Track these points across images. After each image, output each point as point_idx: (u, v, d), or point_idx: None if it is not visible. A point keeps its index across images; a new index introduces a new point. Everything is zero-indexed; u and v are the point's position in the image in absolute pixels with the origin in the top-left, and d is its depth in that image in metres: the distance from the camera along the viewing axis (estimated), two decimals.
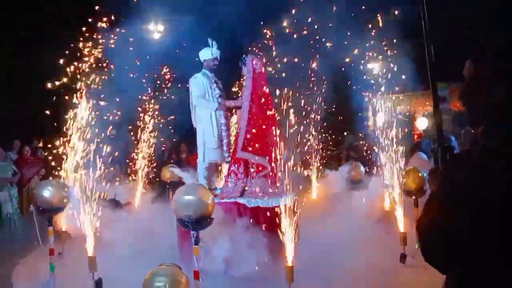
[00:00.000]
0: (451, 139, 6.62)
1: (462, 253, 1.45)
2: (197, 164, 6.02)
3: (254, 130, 5.44)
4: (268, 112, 5.53)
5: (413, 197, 5.35)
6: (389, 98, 7.14)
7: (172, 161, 9.47)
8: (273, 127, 5.43)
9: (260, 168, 5.42)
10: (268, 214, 5.09)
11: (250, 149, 5.42)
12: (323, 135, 9.65)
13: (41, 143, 9.73)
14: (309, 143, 8.63)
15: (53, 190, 5.06)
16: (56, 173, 6.06)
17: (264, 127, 5.44)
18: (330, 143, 10.93)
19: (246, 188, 5.48)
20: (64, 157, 6.04)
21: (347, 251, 5.17)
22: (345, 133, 11.89)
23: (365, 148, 10.44)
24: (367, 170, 7.93)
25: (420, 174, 5.37)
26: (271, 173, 5.37)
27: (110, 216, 5.58)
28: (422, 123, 11.44)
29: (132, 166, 8.07)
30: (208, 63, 5.85)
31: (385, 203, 6.92)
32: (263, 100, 5.52)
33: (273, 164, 5.30)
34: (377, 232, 5.94)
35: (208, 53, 5.82)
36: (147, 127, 8.19)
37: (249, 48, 7.99)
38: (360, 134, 10.97)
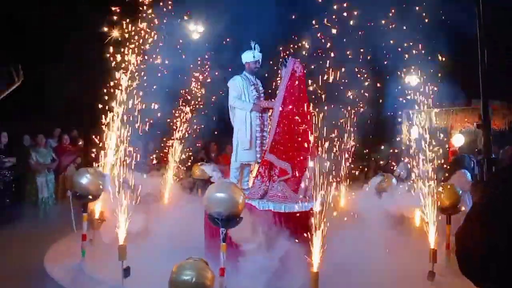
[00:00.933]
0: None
1: (499, 267, 1.43)
2: (226, 164, 6.09)
3: (282, 134, 5.35)
4: (301, 118, 5.35)
5: (447, 214, 5.23)
6: (425, 112, 6.99)
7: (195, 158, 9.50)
8: (305, 134, 5.29)
9: (282, 173, 5.30)
10: (280, 219, 4.99)
11: (275, 152, 5.35)
12: (355, 146, 9.53)
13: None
14: (339, 152, 8.54)
15: (90, 177, 5.26)
16: (93, 163, 6.24)
17: (293, 132, 5.32)
18: (363, 154, 10.78)
19: (268, 191, 5.36)
20: (102, 146, 6.22)
21: (372, 264, 5.07)
22: (381, 146, 11.69)
23: (390, 161, 10.25)
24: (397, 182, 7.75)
25: (456, 191, 5.25)
26: (292, 179, 5.25)
27: (144, 207, 5.69)
28: (458, 140, 11.06)
29: (165, 160, 8.20)
30: (249, 65, 5.93)
31: (416, 217, 6.78)
32: (297, 104, 5.37)
33: (297, 173, 5.20)
34: (406, 246, 5.83)
35: (250, 56, 5.90)
36: (185, 122, 8.30)
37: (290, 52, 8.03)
38: (392, 147, 10.79)
